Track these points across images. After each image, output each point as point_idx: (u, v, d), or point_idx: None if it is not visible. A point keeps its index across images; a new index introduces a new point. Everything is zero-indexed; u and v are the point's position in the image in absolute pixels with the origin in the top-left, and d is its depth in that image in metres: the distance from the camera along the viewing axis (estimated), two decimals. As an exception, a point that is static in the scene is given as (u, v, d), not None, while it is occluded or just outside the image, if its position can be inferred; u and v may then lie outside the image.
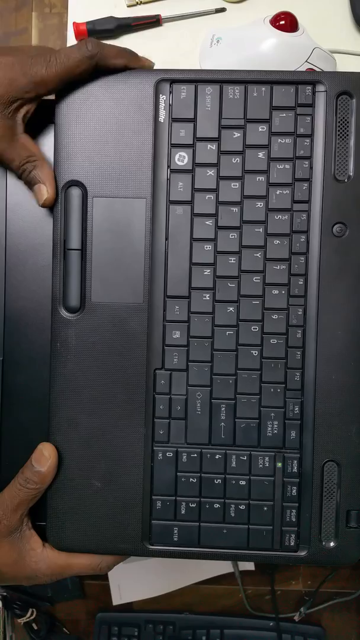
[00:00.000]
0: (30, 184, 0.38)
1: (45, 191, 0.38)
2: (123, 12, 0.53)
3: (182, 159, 0.38)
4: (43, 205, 0.38)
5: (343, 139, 0.38)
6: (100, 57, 0.36)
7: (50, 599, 0.62)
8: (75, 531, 0.39)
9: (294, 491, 0.39)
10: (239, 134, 0.38)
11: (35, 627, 0.61)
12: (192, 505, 0.39)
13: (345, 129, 0.38)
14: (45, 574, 0.38)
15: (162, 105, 0.38)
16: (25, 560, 0.38)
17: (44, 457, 0.38)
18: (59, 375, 0.39)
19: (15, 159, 0.37)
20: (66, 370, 0.39)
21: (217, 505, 0.39)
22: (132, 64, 0.38)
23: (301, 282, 0.39)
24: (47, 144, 0.40)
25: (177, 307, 0.39)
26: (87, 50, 0.36)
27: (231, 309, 0.39)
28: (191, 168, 0.38)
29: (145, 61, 0.39)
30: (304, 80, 0.38)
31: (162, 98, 0.38)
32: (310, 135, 0.38)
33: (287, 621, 0.60)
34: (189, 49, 0.53)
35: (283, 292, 0.39)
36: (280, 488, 0.39)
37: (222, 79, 0.38)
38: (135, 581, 0.41)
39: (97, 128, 0.38)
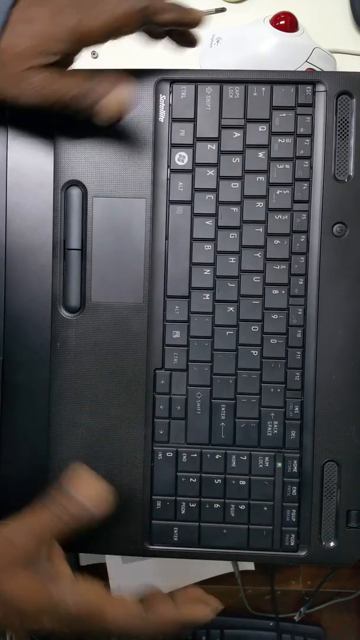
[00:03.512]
0: (97, 101, 0.34)
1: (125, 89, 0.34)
2: (123, 12, 0.53)
3: (182, 158, 0.38)
4: (121, 113, 0.34)
5: (343, 139, 0.38)
6: (152, 10, 0.33)
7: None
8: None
9: (294, 491, 0.39)
10: (239, 134, 0.38)
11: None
12: (192, 505, 0.39)
13: (345, 129, 0.38)
14: (70, 612, 0.30)
15: (162, 105, 0.38)
16: (49, 589, 0.31)
17: (93, 489, 0.33)
18: (59, 376, 0.39)
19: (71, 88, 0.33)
20: (66, 371, 0.39)
21: (217, 505, 0.39)
22: (183, 19, 0.34)
23: (301, 282, 0.39)
24: (47, 144, 0.40)
25: (177, 307, 0.39)
26: (138, 2, 0.32)
27: (231, 309, 0.39)
28: (191, 168, 0.38)
29: (195, 14, 0.34)
30: (304, 80, 0.38)
31: (162, 98, 0.38)
32: (310, 135, 0.38)
33: (287, 621, 0.60)
34: (189, 49, 0.53)
35: (283, 292, 0.39)
36: (280, 488, 0.39)
37: (222, 79, 0.38)
38: (135, 581, 0.41)
39: (97, 128, 0.38)
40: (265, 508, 0.39)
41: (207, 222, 0.38)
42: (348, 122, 0.38)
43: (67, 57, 0.34)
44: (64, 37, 0.32)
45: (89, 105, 0.34)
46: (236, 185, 0.38)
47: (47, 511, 0.32)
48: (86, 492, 0.33)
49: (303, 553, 0.39)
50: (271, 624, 0.59)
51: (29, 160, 0.40)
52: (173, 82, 0.38)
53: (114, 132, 0.38)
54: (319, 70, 0.49)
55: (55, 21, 0.32)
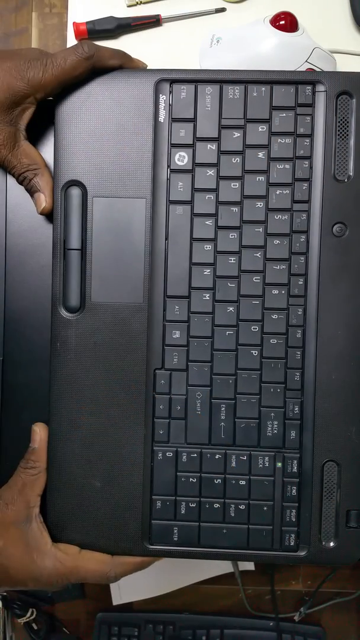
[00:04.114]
0: (29, 191, 0.39)
1: (44, 200, 0.38)
2: (123, 12, 0.53)
3: (182, 158, 0.38)
4: (41, 213, 0.39)
5: (343, 139, 0.38)
6: (97, 59, 0.37)
7: (50, 599, 0.62)
8: (75, 531, 0.39)
9: (293, 491, 0.39)
10: (238, 134, 0.38)
11: (35, 627, 0.61)
12: (192, 505, 0.39)
13: (345, 129, 0.38)
14: (51, 575, 0.37)
15: (162, 105, 0.38)
16: (32, 555, 0.37)
17: (35, 432, 0.39)
18: (59, 375, 0.39)
19: (17, 166, 0.37)
20: (66, 370, 0.39)
21: (217, 505, 0.39)
22: (127, 65, 0.39)
23: (301, 282, 0.39)
24: (47, 144, 0.40)
25: (177, 307, 0.39)
26: (84, 52, 0.36)
27: (231, 309, 0.39)
28: (191, 168, 0.38)
29: (138, 62, 0.39)
30: (304, 80, 0.38)
31: (162, 98, 0.38)
32: (310, 135, 0.38)
33: (287, 621, 0.60)
34: (189, 49, 0.53)
35: (283, 292, 0.39)
36: (280, 488, 0.39)
37: (222, 79, 0.38)
38: (135, 581, 0.41)
39: (97, 128, 0.38)
40: (265, 508, 0.39)
41: (207, 222, 0.38)
42: (348, 122, 0.38)
43: (27, 108, 0.37)
44: (22, 90, 0.36)
45: (27, 189, 0.39)
46: (236, 185, 0.38)
47: (23, 470, 0.39)
48: (31, 437, 0.40)
49: (303, 553, 0.39)
50: (271, 624, 0.59)
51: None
52: (173, 82, 0.38)
53: (114, 131, 0.38)
54: (319, 70, 0.49)
55: (14, 76, 0.36)
